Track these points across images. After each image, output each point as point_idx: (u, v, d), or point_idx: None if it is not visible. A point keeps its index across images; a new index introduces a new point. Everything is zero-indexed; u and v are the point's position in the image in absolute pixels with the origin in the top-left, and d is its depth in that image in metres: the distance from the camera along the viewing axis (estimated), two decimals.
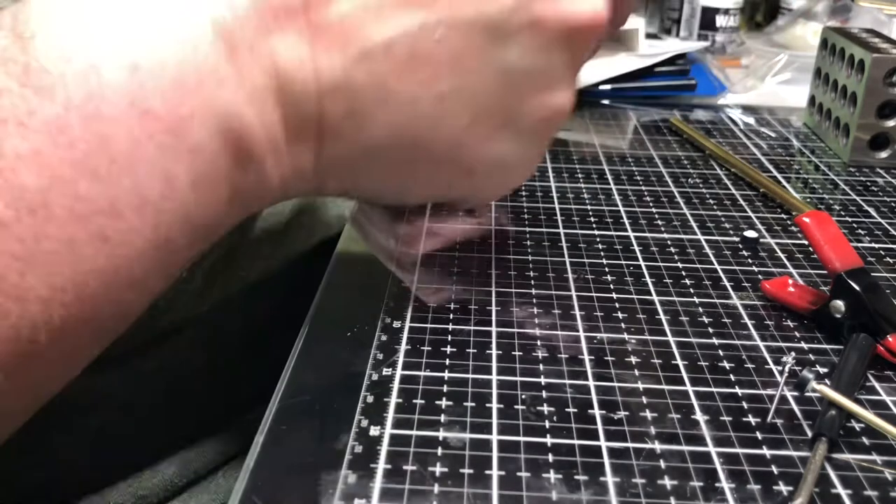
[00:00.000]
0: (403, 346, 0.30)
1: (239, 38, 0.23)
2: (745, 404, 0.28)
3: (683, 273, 0.37)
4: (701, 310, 0.34)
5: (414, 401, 0.27)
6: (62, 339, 0.21)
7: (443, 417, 0.26)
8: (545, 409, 0.27)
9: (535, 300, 0.34)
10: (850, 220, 0.44)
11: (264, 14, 0.23)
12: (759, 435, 0.26)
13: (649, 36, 0.81)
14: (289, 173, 0.25)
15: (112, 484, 0.36)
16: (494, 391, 0.28)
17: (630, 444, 0.26)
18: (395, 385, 0.28)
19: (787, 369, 0.28)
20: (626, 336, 0.32)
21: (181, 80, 0.21)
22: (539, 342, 0.31)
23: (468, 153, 0.28)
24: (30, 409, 0.22)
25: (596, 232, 0.41)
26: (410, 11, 0.25)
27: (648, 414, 0.27)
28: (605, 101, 0.66)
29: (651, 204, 0.45)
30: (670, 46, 0.74)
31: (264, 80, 0.23)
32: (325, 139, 0.25)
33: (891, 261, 0.39)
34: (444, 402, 0.27)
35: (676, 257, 0.38)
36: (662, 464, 0.25)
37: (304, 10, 0.23)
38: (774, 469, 0.25)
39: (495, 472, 0.24)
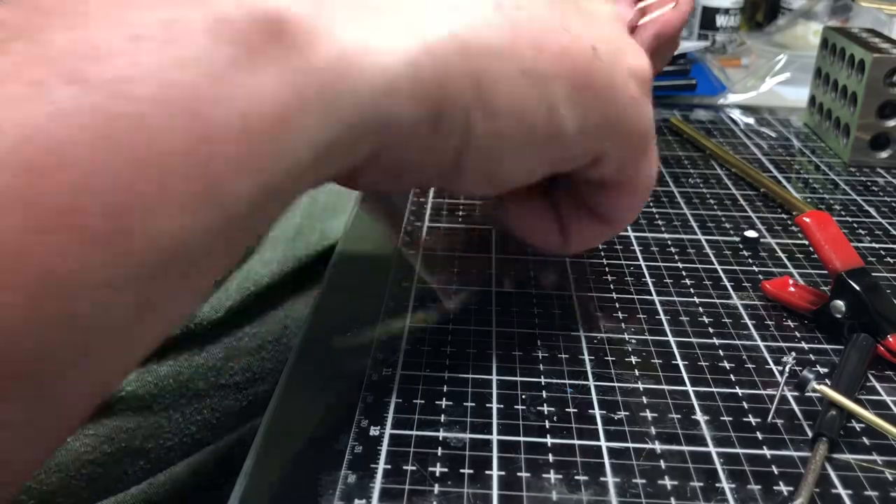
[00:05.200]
0: (403, 346, 0.30)
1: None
2: (745, 404, 0.28)
3: (684, 273, 0.37)
4: (701, 310, 0.34)
5: (414, 401, 0.27)
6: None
7: (443, 417, 0.26)
8: (545, 409, 0.27)
9: (535, 300, 0.34)
10: (850, 220, 0.43)
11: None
12: (759, 435, 0.26)
13: None
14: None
15: (125, 488, 0.36)
16: (494, 391, 0.28)
17: (630, 445, 0.26)
18: (395, 385, 0.28)
19: (787, 369, 0.28)
20: (626, 336, 0.31)
21: None
22: (539, 342, 0.31)
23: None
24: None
25: None
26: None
27: (649, 414, 0.27)
28: None
29: (651, 203, 0.45)
30: None
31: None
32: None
33: (891, 261, 0.39)
34: (444, 402, 0.27)
35: (677, 257, 0.38)
36: (663, 464, 0.25)
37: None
38: (775, 469, 0.25)
39: (495, 473, 0.24)
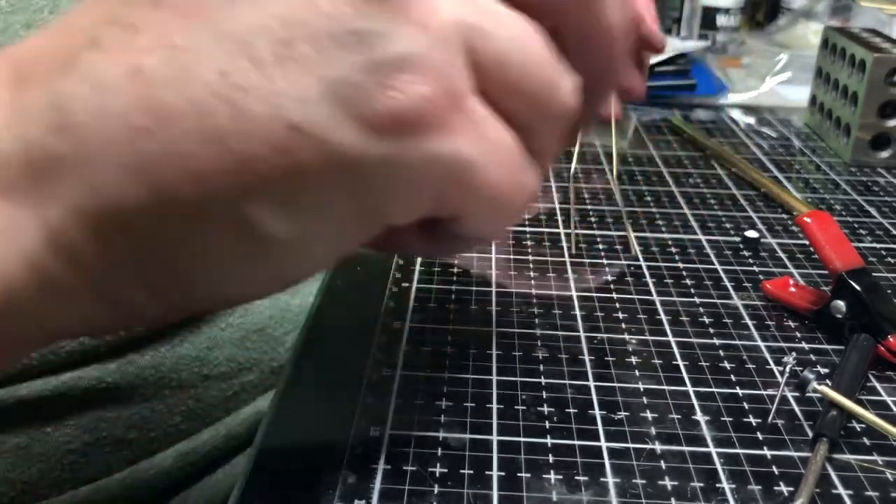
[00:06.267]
0: (403, 346, 0.30)
1: None
2: (745, 405, 0.28)
3: (684, 273, 0.37)
4: (702, 310, 0.34)
5: (414, 401, 0.27)
6: None
7: (443, 417, 0.26)
8: (545, 409, 0.27)
9: (535, 300, 0.34)
10: (850, 220, 0.43)
11: None
12: (759, 435, 0.26)
13: None
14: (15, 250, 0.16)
15: (108, 476, 0.36)
16: (494, 391, 0.28)
17: (630, 445, 0.25)
18: (395, 385, 0.28)
19: (787, 370, 0.28)
20: (626, 336, 0.31)
21: None
22: (539, 342, 0.31)
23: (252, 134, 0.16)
24: None
25: (596, 232, 0.41)
26: None
27: (649, 414, 0.27)
28: None
29: (652, 204, 0.45)
30: (671, 46, 0.74)
31: None
32: (43, 177, 0.16)
33: (892, 261, 0.39)
34: (444, 403, 0.27)
35: (677, 257, 0.38)
36: (663, 464, 0.25)
37: None
38: (775, 469, 0.25)
39: (495, 473, 0.24)
